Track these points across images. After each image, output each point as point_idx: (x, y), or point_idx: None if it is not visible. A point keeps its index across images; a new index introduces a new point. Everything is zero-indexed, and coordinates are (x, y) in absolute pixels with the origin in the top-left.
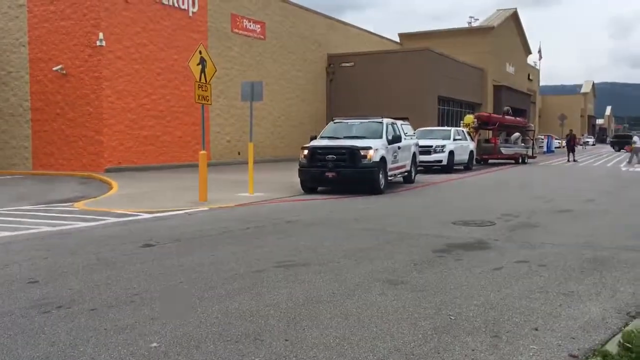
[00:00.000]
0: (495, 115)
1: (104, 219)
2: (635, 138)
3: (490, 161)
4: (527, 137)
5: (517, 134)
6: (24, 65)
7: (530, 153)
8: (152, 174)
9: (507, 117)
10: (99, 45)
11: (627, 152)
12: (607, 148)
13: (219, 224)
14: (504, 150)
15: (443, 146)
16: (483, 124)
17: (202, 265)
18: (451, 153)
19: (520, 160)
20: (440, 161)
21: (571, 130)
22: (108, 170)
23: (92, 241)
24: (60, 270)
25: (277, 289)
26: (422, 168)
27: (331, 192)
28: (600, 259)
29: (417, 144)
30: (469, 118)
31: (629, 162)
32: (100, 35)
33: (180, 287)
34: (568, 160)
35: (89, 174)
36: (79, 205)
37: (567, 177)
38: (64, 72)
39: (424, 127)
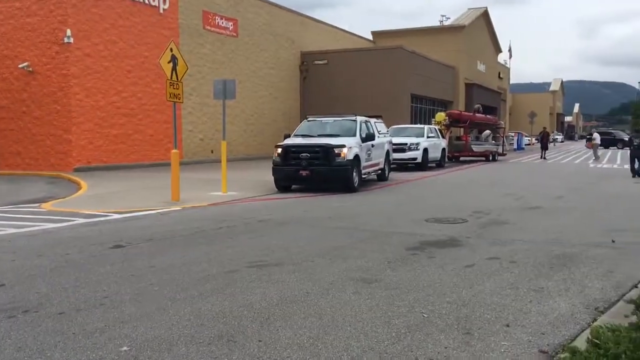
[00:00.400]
0: (466, 113)
1: (73, 220)
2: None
3: (461, 158)
4: (498, 135)
5: (487, 132)
6: None
7: (500, 150)
8: (123, 173)
9: (477, 114)
10: (67, 42)
11: (587, 148)
12: (575, 145)
13: (192, 224)
14: (474, 148)
15: (417, 144)
16: (454, 121)
17: (174, 266)
18: (425, 150)
19: (490, 158)
20: (415, 159)
21: (545, 128)
22: (77, 170)
23: (60, 243)
24: (27, 273)
25: (250, 289)
26: (395, 165)
27: (305, 190)
28: (569, 255)
29: (390, 142)
30: (440, 116)
31: (595, 158)
32: (68, 32)
33: (151, 288)
34: (541, 157)
35: (57, 173)
36: (47, 206)
37: (537, 174)
38: (31, 69)
39: (397, 124)
